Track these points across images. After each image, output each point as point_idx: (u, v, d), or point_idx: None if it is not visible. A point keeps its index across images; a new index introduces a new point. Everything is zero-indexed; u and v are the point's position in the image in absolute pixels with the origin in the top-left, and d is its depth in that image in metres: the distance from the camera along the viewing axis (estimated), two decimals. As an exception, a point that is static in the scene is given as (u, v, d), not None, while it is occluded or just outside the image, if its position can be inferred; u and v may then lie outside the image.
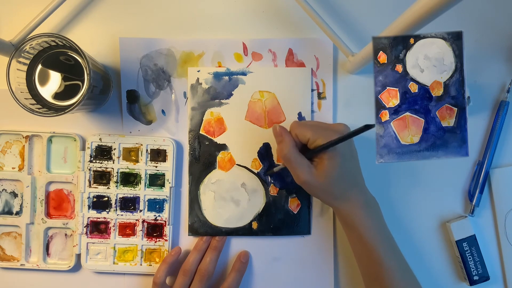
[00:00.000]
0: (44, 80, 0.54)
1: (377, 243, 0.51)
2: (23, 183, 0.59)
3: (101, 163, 0.59)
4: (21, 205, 0.60)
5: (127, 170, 0.59)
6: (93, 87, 0.52)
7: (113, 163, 0.59)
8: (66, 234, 0.61)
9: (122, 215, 0.59)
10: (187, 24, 0.61)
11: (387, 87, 0.43)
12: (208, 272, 0.57)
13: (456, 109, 0.43)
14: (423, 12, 0.37)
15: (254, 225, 0.60)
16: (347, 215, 0.52)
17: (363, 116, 0.60)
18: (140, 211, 0.59)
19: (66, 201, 0.60)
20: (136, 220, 0.59)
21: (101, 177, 0.59)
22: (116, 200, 0.59)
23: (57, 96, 0.54)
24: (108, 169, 0.59)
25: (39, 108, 0.52)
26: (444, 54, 0.43)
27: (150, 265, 0.59)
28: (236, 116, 0.60)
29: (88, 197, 0.59)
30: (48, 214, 0.60)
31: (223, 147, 0.60)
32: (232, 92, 0.60)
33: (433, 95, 0.43)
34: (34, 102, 0.53)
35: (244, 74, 0.60)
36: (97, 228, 0.59)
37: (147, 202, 0.59)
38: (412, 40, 0.42)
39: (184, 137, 0.61)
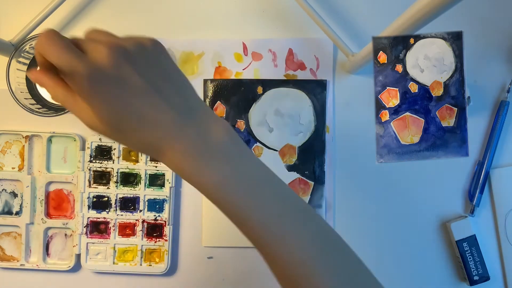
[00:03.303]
0: (44, 80, 0.54)
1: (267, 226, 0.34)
2: (23, 183, 0.59)
3: (101, 163, 0.59)
4: (21, 205, 0.60)
5: (127, 170, 0.59)
6: (93, 87, 0.52)
7: (113, 163, 0.59)
8: (66, 234, 0.61)
9: (122, 215, 0.59)
10: (187, 24, 0.61)
11: (387, 87, 0.43)
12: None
13: (456, 109, 0.43)
14: (423, 12, 0.37)
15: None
16: (183, 171, 0.32)
17: (363, 116, 0.60)
18: (140, 211, 0.59)
19: (66, 201, 0.60)
20: (136, 220, 0.59)
21: (101, 177, 0.59)
22: (116, 200, 0.59)
23: (57, 96, 0.54)
24: (108, 169, 0.59)
25: (39, 108, 0.52)
26: (444, 54, 0.43)
27: (150, 265, 0.59)
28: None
29: (88, 197, 0.59)
30: (48, 214, 0.60)
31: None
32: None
33: (433, 95, 0.43)
34: (34, 102, 0.53)
35: None
36: (97, 228, 0.59)
37: (147, 202, 0.59)
38: (412, 40, 0.42)
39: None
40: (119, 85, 0.31)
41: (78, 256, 0.59)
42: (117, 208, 0.59)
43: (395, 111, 0.43)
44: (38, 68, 0.33)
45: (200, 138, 0.32)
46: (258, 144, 0.60)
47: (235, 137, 0.34)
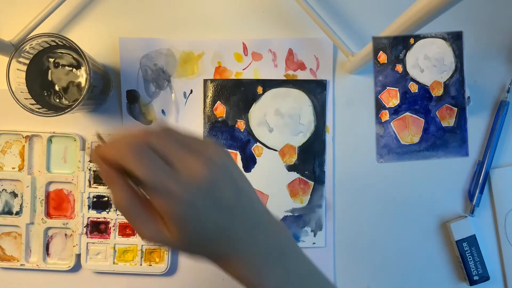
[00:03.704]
0: (44, 80, 0.54)
1: None
2: (23, 183, 0.59)
3: (101, 163, 0.59)
4: (21, 205, 0.60)
5: (127, 170, 0.59)
6: (93, 87, 0.52)
7: (113, 163, 0.59)
8: (66, 234, 0.60)
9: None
10: (187, 24, 0.61)
11: (387, 87, 0.43)
12: None
13: (456, 109, 0.43)
14: (423, 12, 0.37)
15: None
16: (244, 278, 0.34)
17: (363, 116, 0.60)
18: (140, 211, 0.59)
19: (66, 201, 0.60)
20: (136, 220, 0.59)
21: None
22: (116, 200, 0.59)
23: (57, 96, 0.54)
24: (108, 169, 0.59)
25: (39, 108, 0.52)
26: (444, 54, 0.43)
27: (150, 265, 0.59)
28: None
29: (88, 197, 0.59)
30: (48, 214, 0.60)
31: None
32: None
33: (433, 95, 0.43)
34: (34, 102, 0.53)
35: None
36: (97, 228, 0.59)
37: (147, 202, 0.59)
38: (412, 40, 0.42)
39: (184, 137, 0.61)
40: (212, 204, 0.31)
41: (78, 256, 0.59)
42: (117, 208, 0.59)
43: (395, 111, 0.43)
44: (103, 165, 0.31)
45: (266, 248, 0.33)
46: (258, 144, 0.60)
47: (292, 240, 0.36)
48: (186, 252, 0.34)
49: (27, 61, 0.53)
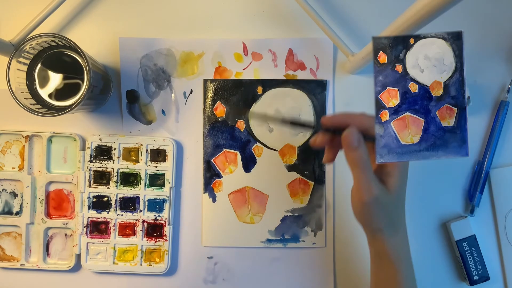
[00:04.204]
0: (44, 80, 0.54)
1: (407, 283, 0.46)
2: (23, 183, 0.59)
3: (101, 163, 0.59)
4: (21, 205, 0.60)
5: (127, 170, 0.59)
6: (93, 87, 0.52)
7: (113, 163, 0.59)
8: (66, 234, 0.61)
9: (122, 215, 0.59)
10: (187, 24, 0.61)
11: (387, 87, 0.43)
12: None
13: (456, 109, 0.43)
14: (423, 12, 0.37)
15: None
16: (390, 248, 0.45)
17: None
18: (140, 211, 0.59)
19: (66, 201, 0.60)
20: (136, 220, 0.59)
21: (101, 177, 0.59)
22: (116, 200, 0.59)
23: (57, 96, 0.54)
24: (108, 169, 0.59)
25: (39, 108, 0.52)
26: (444, 54, 0.43)
27: (150, 265, 0.59)
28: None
29: (88, 197, 0.59)
30: (48, 214, 0.60)
31: (223, 147, 0.60)
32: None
33: (433, 95, 0.43)
34: (34, 102, 0.53)
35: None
36: (97, 228, 0.60)
37: (147, 202, 0.59)
38: (412, 40, 0.42)
39: (184, 137, 0.61)
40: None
41: (78, 256, 0.60)
42: (117, 208, 0.59)
43: (395, 111, 0.43)
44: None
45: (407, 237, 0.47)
46: (258, 144, 0.60)
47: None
48: (381, 214, 0.44)
49: (27, 61, 0.53)
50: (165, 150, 0.59)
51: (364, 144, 0.43)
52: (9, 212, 0.60)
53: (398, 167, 0.44)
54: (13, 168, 0.60)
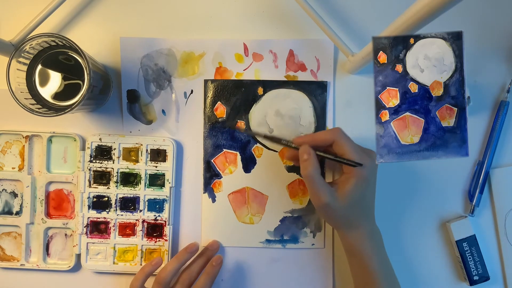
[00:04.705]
0: (44, 80, 0.54)
1: (379, 276, 0.51)
2: (23, 183, 0.59)
3: (101, 163, 0.59)
4: (21, 205, 0.60)
5: (127, 170, 0.59)
6: (93, 87, 0.52)
7: (113, 163, 0.59)
8: (66, 234, 0.60)
9: (122, 215, 0.59)
10: (188, 24, 0.61)
11: (387, 87, 0.43)
12: (190, 277, 0.56)
13: (456, 109, 0.43)
14: (423, 12, 0.37)
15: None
16: (353, 244, 0.52)
17: (363, 116, 0.60)
18: (140, 211, 0.59)
19: (66, 201, 0.60)
20: (136, 220, 0.59)
21: (101, 177, 0.59)
22: (116, 200, 0.59)
23: (57, 96, 0.54)
24: (108, 169, 0.59)
25: (39, 108, 0.52)
26: (444, 54, 0.43)
27: (150, 265, 0.59)
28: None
29: (88, 197, 0.59)
30: (48, 214, 0.60)
31: (223, 147, 0.60)
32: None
33: (433, 95, 0.43)
34: (34, 102, 0.53)
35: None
36: (97, 228, 0.59)
37: (147, 202, 0.59)
38: (412, 40, 0.42)
39: (184, 137, 0.61)
40: (373, 185, 0.53)
41: (78, 256, 0.59)
42: (117, 208, 0.59)
43: (395, 111, 0.43)
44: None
45: (372, 230, 0.53)
46: (258, 144, 0.60)
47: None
48: (335, 216, 0.51)
49: (27, 61, 0.53)
50: (165, 150, 0.59)
51: (314, 159, 0.50)
52: (9, 212, 0.60)
53: (354, 176, 0.50)
54: (13, 168, 0.60)
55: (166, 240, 0.59)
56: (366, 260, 0.51)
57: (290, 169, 0.60)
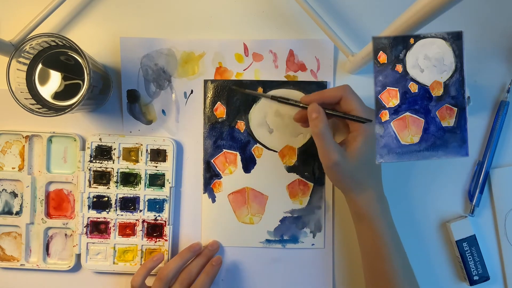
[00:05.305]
0: (44, 80, 0.54)
1: (388, 239, 0.51)
2: (23, 183, 0.59)
3: (101, 163, 0.59)
4: (21, 205, 0.60)
5: (127, 170, 0.59)
6: (93, 87, 0.52)
7: (113, 163, 0.59)
8: (66, 234, 0.61)
9: (122, 215, 0.59)
10: (188, 24, 0.61)
11: (387, 87, 0.43)
12: (190, 277, 0.56)
13: (456, 109, 0.43)
14: (423, 12, 0.37)
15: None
16: (362, 206, 0.51)
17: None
18: (140, 211, 0.59)
19: (66, 201, 0.60)
20: (136, 220, 0.59)
21: (101, 177, 0.59)
22: (116, 200, 0.59)
23: (57, 96, 0.54)
24: (108, 169, 0.59)
25: (39, 108, 0.52)
26: (444, 54, 0.43)
27: (150, 265, 0.59)
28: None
29: (88, 197, 0.59)
30: (48, 214, 0.60)
31: (223, 147, 0.60)
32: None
33: (433, 95, 0.43)
34: (34, 102, 0.53)
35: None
36: (97, 228, 0.59)
37: (147, 202, 0.59)
38: (412, 40, 0.42)
39: (184, 137, 0.61)
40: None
41: (78, 256, 0.59)
42: (117, 208, 0.59)
43: (395, 111, 0.43)
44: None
45: (380, 193, 0.53)
46: (258, 145, 0.60)
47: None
48: (344, 176, 0.50)
49: (27, 61, 0.54)
50: (165, 150, 0.59)
51: (324, 116, 0.50)
52: (9, 212, 0.60)
53: (362, 134, 0.50)
54: (13, 168, 0.60)
55: (166, 240, 0.59)
56: (375, 223, 0.51)
57: (290, 169, 0.60)
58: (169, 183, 0.59)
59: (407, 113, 0.43)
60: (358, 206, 0.52)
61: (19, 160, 0.60)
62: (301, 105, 0.53)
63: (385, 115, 0.43)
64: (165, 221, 0.59)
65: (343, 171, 0.50)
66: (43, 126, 0.60)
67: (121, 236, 0.59)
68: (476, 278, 0.58)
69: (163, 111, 0.60)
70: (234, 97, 0.60)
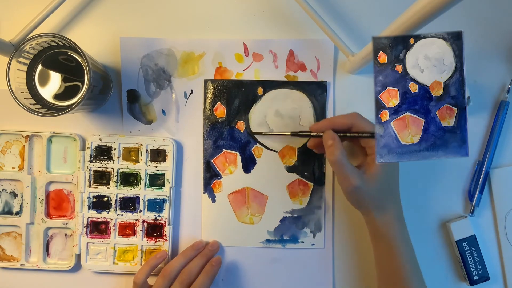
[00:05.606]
0: (44, 80, 0.54)
1: (406, 260, 0.51)
2: (23, 183, 0.59)
3: (101, 163, 0.59)
4: (21, 205, 0.60)
5: (127, 170, 0.59)
6: (93, 87, 0.52)
7: (113, 163, 0.59)
8: (66, 234, 0.61)
9: (122, 215, 0.59)
10: (188, 24, 0.61)
11: (387, 87, 0.43)
12: (190, 277, 0.56)
13: (456, 109, 0.43)
14: (423, 12, 0.37)
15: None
16: (382, 226, 0.52)
17: (363, 116, 0.60)
18: (140, 211, 0.59)
19: (66, 201, 0.60)
20: (136, 220, 0.59)
21: (101, 177, 0.59)
22: (116, 200, 0.59)
23: (57, 96, 0.54)
24: (108, 169, 0.59)
25: (39, 108, 0.52)
26: (444, 54, 0.43)
27: (150, 265, 0.59)
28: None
29: (88, 197, 0.59)
30: (48, 214, 0.60)
31: (223, 147, 0.60)
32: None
33: (433, 95, 0.43)
34: (34, 102, 0.53)
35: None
36: (97, 228, 0.59)
37: (147, 202, 0.59)
38: (412, 40, 0.42)
39: (184, 137, 0.61)
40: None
41: (78, 256, 0.59)
42: (117, 208, 0.59)
43: (395, 111, 0.43)
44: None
45: (399, 213, 0.53)
46: (258, 145, 0.60)
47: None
48: (364, 199, 0.51)
49: (27, 61, 0.54)
50: (165, 150, 0.59)
51: (339, 142, 0.50)
52: (9, 212, 0.60)
53: (376, 164, 0.50)
54: (13, 168, 0.60)
55: (166, 240, 0.59)
56: (394, 243, 0.51)
57: (290, 169, 0.60)
58: (169, 183, 0.59)
59: (407, 113, 0.43)
60: (377, 226, 0.52)
61: (19, 160, 0.60)
62: (314, 134, 0.54)
63: (385, 115, 0.43)
64: (165, 221, 0.59)
65: (364, 194, 0.50)
66: (43, 126, 0.60)
67: (121, 236, 0.59)
68: (476, 278, 0.58)
69: (163, 111, 0.60)
70: (234, 97, 0.60)
